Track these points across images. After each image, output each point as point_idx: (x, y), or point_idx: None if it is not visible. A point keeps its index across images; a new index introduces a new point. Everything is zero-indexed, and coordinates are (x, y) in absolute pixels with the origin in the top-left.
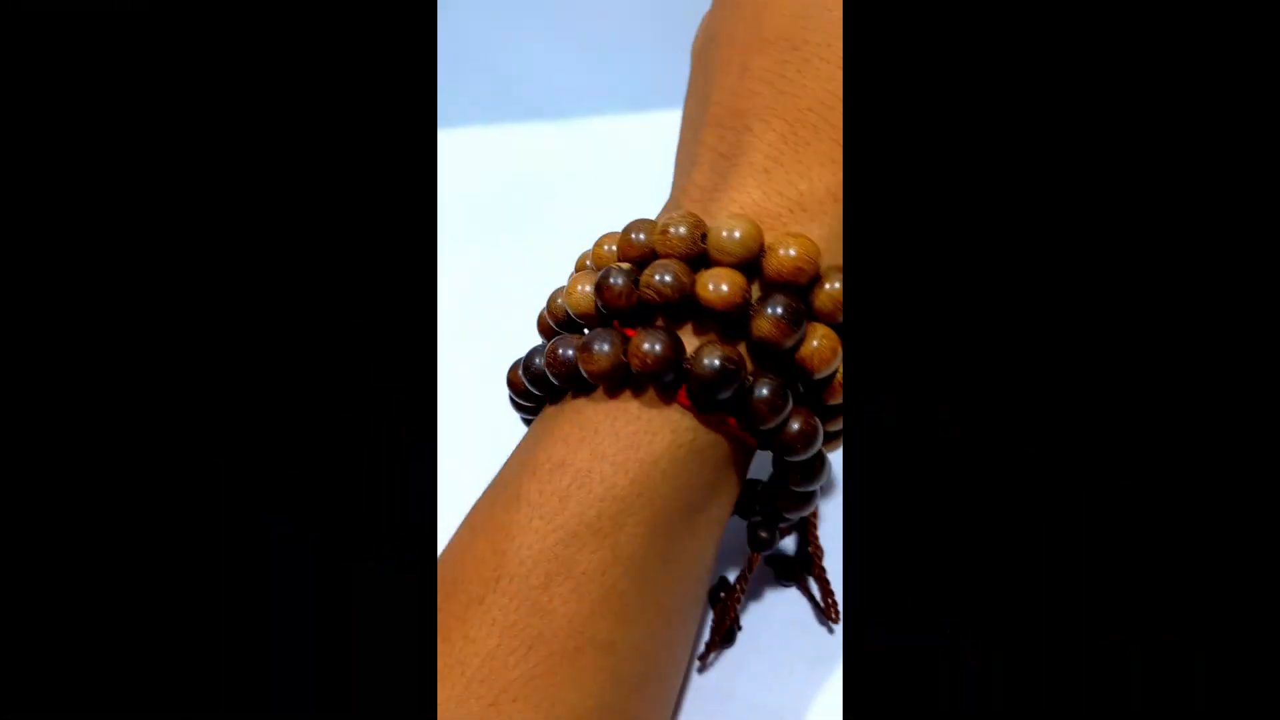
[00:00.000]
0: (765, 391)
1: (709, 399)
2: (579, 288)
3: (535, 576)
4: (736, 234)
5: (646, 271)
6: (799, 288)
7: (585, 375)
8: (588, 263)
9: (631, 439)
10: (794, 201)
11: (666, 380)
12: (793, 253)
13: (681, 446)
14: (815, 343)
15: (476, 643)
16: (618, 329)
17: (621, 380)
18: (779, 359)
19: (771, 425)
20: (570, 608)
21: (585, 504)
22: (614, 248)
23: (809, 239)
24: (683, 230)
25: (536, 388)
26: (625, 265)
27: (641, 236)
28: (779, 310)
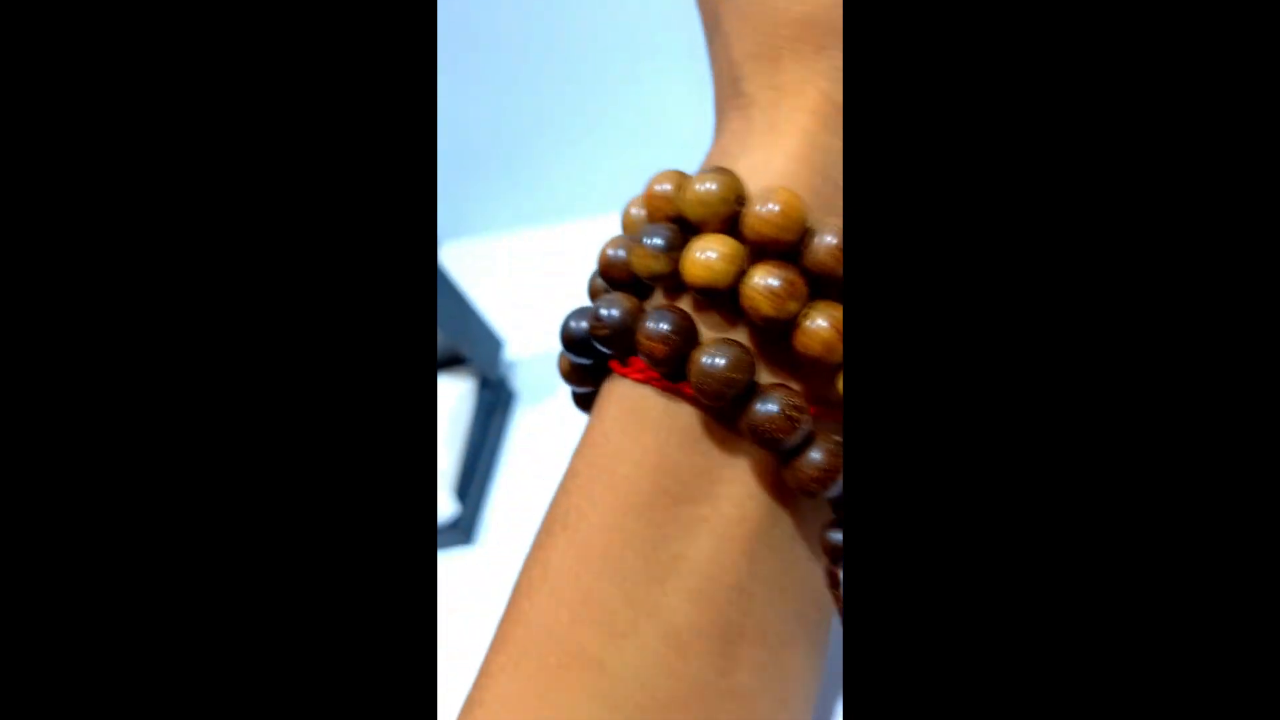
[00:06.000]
0: (718, 360)
1: (660, 364)
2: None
3: (521, 581)
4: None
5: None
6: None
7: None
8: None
9: (589, 417)
10: None
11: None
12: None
13: (631, 419)
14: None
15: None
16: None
17: (578, 349)
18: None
19: (724, 394)
20: (548, 616)
21: (555, 493)
22: (641, 210)
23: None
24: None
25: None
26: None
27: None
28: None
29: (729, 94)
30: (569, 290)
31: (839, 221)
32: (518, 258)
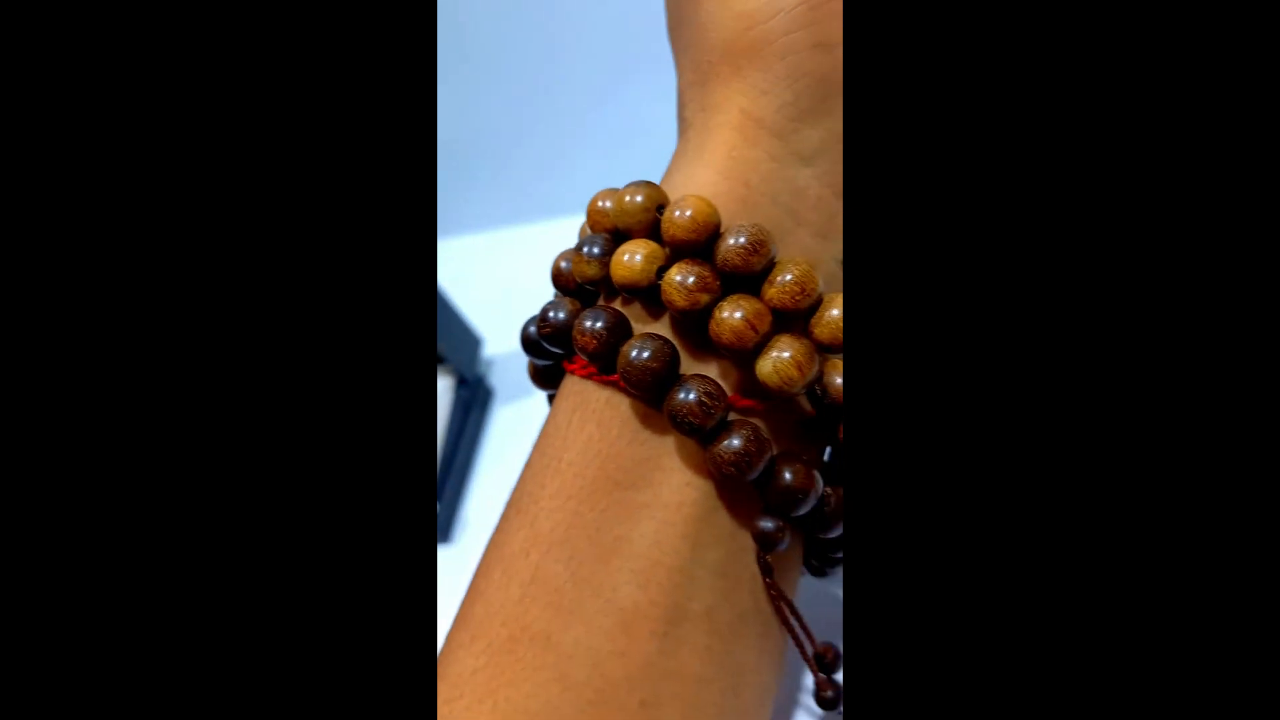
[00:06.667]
0: (642, 353)
1: (593, 358)
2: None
3: (481, 562)
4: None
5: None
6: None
7: None
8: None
9: (549, 411)
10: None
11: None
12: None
13: (577, 411)
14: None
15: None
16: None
17: (534, 351)
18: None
19: (646, 382)
20: (501, 593)
21: (517, 481)
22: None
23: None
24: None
25: None
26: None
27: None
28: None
29: (679, 121)
30: (547, 289)
31: (750, 224)
32: (496, 257)
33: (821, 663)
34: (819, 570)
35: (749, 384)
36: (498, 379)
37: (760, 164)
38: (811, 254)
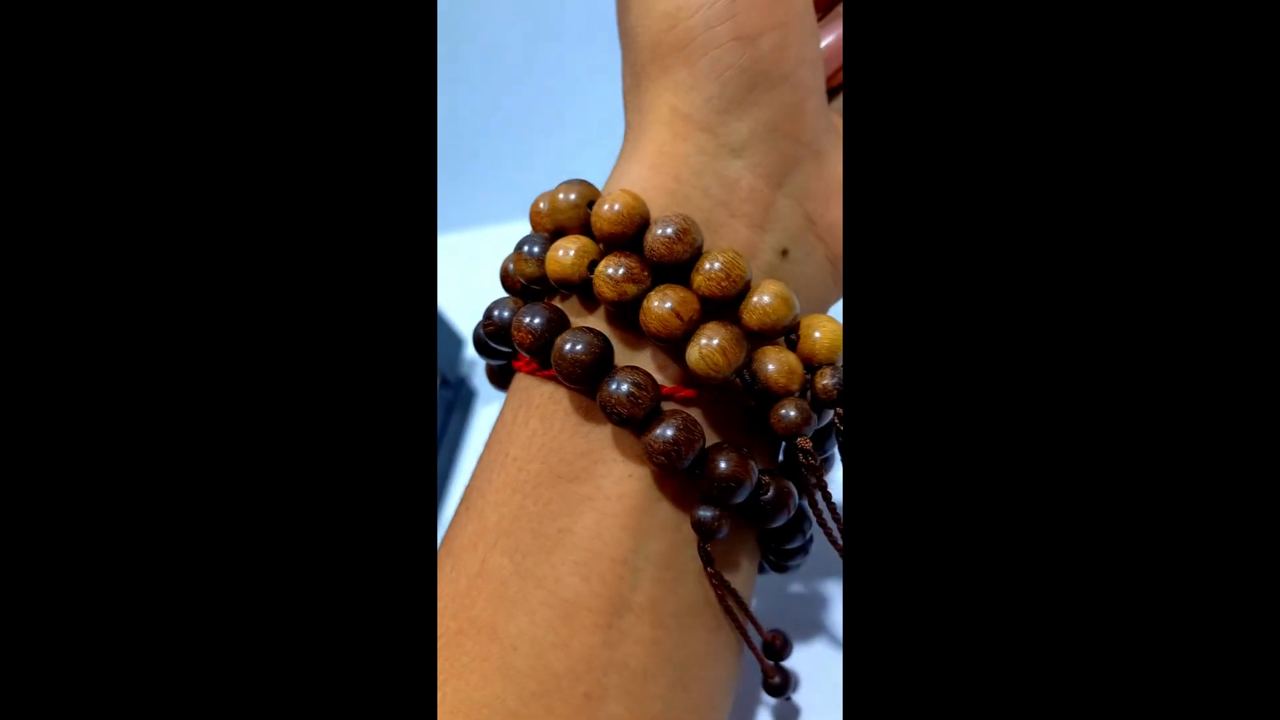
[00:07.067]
0: (575, 346)
1: (531, 353)
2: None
3: (441, 560)
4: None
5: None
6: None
7: None
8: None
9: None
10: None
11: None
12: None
13: (522, 407)
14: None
15: None
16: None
17: (483, 350)
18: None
19: (577, 374)
20: (450, 586)
21: (470, 478)
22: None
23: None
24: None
25: None
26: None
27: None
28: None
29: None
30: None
31: (675, 214)
32: (478, 256)
33: (770, 650)
34: (778, 566)
35: (687, 374)
36: (480, 380)
37: (690, 158)
38: (747, 245)
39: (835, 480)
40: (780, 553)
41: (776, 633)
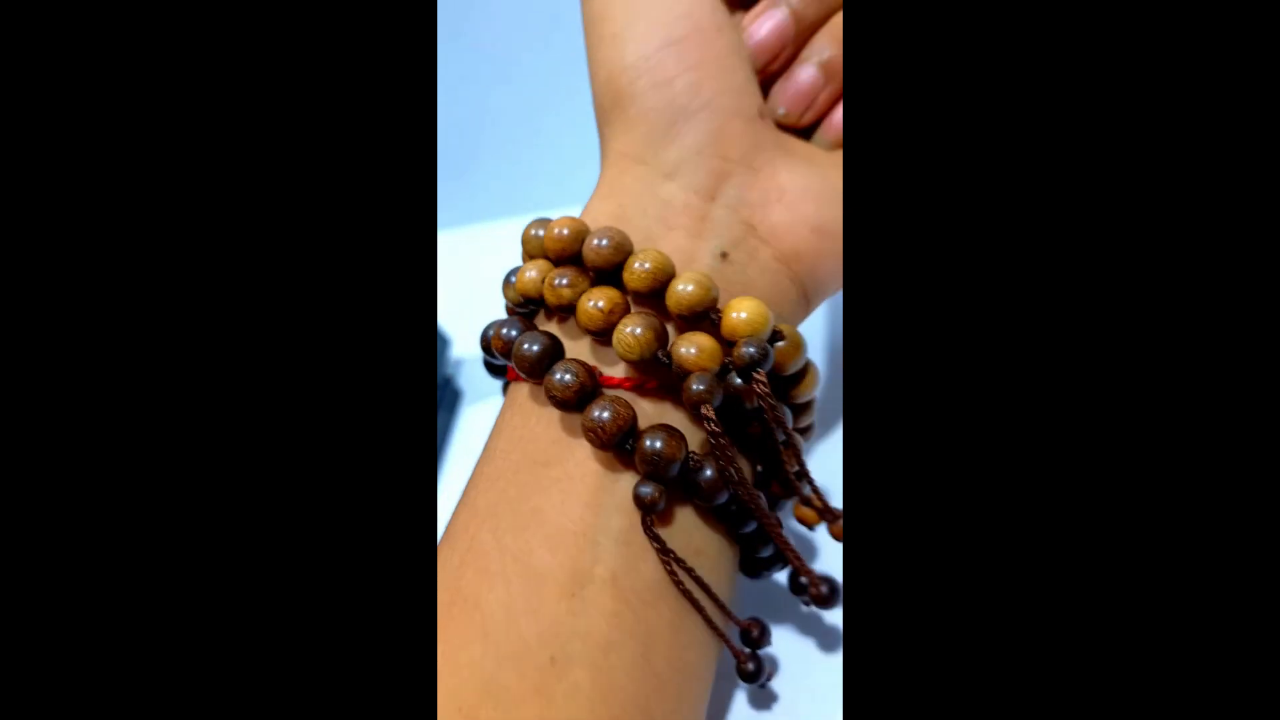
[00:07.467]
0: (529, 345)
1: (505, 357)
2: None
3: (440, 547)
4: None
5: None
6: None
7: None
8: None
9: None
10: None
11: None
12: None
13: (509, 407)
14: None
15: None
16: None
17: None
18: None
19: (527, 368)
20: (445, 562)
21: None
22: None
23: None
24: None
25: None
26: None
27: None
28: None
29: None
30: None
31: (606, 229)
32: (463, 255)
33: (747, 638)
34: (750, 572)
35: (643, 373)
36: (466, 380)
37: (630, 187)
38: (685, 250)
39: (835, 481)
40: (752, 561)
41: (754, 620)
